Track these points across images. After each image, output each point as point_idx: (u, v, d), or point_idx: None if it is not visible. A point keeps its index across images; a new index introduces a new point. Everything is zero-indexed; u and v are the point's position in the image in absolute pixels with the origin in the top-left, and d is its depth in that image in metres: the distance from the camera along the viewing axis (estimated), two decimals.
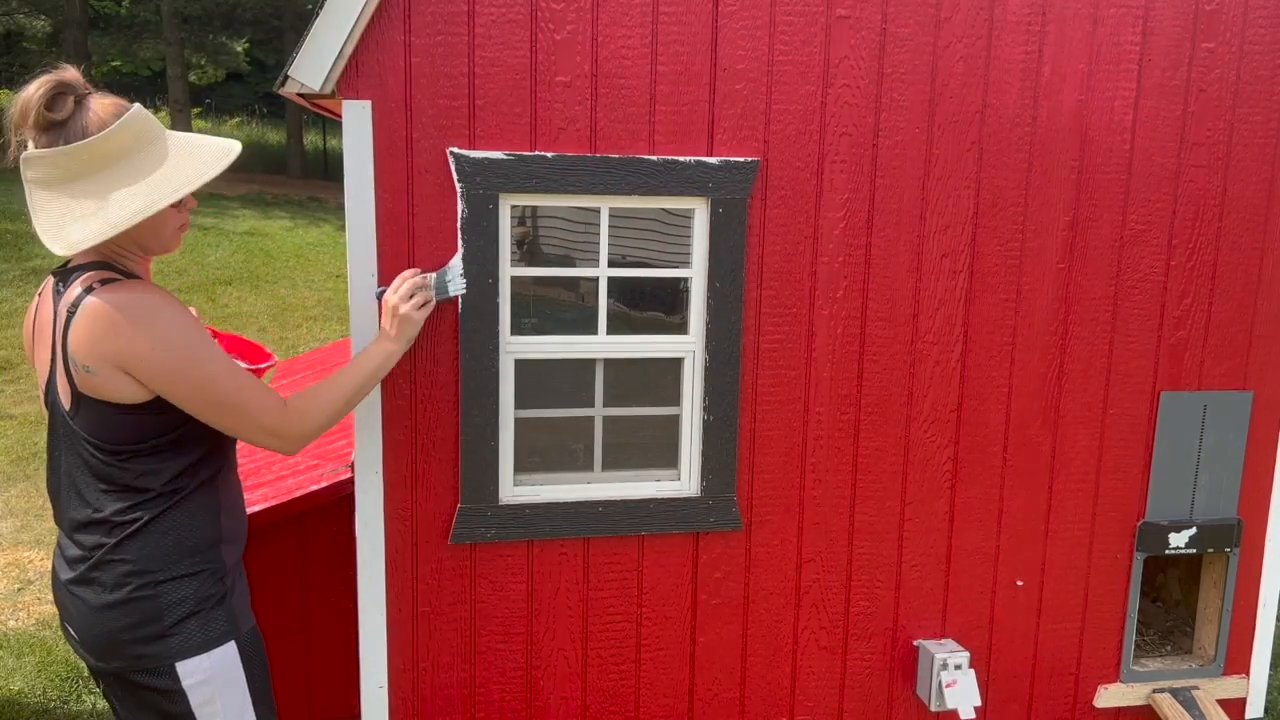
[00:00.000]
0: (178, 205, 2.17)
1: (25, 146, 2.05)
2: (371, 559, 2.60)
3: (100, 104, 2.08)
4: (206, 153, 2.15)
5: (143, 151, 2.10)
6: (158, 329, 2.04)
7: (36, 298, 2.22)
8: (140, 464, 2.12)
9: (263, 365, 2.54)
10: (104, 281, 2.08)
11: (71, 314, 2.05)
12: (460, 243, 2.51)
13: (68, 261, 2.16)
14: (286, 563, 3.13)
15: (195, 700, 2.12)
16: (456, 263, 2.52)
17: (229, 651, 2.16)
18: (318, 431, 2.26)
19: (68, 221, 2.04)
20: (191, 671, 2.11)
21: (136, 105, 2.13)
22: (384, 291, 2.45)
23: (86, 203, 2.05)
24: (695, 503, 2.76)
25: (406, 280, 2.44)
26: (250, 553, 3.09)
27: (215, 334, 2.67)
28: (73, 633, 2.18)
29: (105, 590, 2.10)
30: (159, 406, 2.10)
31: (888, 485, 2.88)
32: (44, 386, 2.16)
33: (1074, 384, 2.95)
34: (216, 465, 2.25)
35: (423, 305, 2.44)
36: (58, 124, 2.03)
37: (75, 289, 2.07)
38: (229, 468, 2.33)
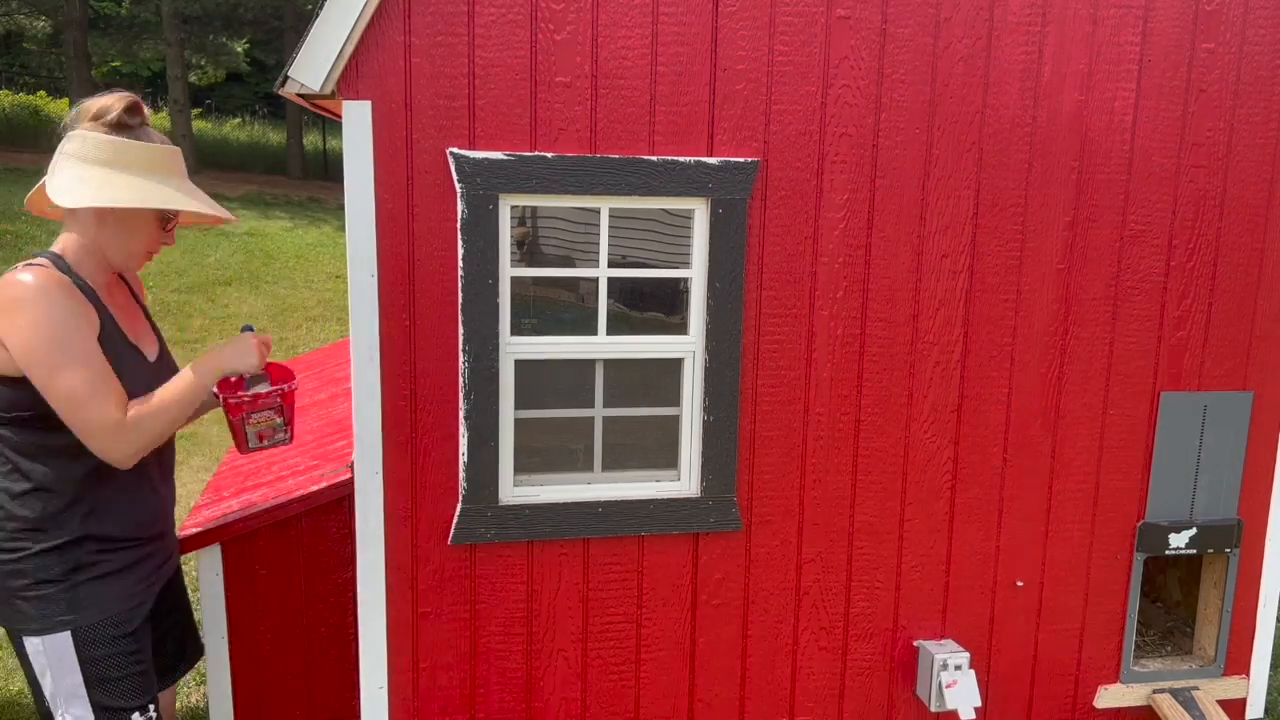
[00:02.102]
0: (164, 224, 2.41)
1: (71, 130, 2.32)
2: (372, 560, 2.59)
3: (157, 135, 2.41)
4: (207, 202, 2.45)
5: (177, 176, 2.40)
6: (32, 312, 2.19)
7: None
8: (13, 432, 2.28)
9: (283, 387, 2.54)
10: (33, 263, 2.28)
11: None
12: (460, 243, 2.52)
13: None
14: (287, 563, 3.14)
15: (37, 671, 2.35)
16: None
17: (62, 640, 2.33)
18: (146, 446, 2.31)
19: (76, 182, 2.25)
20: (32, 647, 2.34)
21: None
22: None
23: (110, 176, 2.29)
24: (695, 503, 2.76)
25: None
26: (251, 553, 3.11)
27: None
28: None
29: None
30: (27, 383, 2.23)
31: (888, 485, 2.88)
32: None
33: (1074, 384, 2.95)
34: (97, 461, 2.31)
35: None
36: (127, 128, 2.30)
37: None
38: (134, 474, 2.40)
